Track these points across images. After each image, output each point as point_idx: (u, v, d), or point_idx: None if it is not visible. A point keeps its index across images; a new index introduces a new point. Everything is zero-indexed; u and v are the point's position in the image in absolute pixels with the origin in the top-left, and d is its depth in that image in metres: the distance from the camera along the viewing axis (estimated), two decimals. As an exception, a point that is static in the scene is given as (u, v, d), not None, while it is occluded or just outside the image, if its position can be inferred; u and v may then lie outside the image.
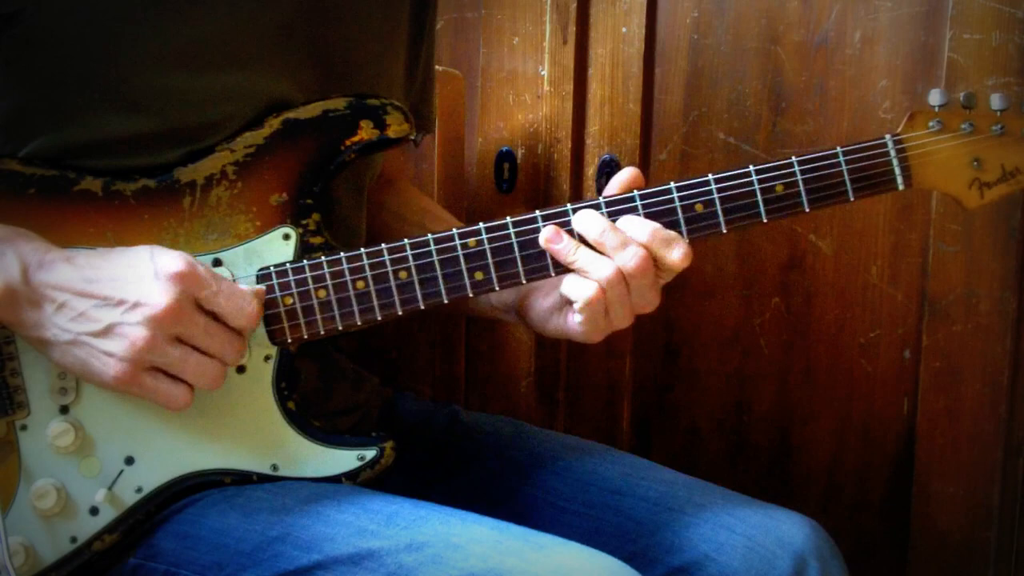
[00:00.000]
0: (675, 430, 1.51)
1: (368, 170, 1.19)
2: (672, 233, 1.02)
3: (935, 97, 1.04)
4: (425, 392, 1.54)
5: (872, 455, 1.44)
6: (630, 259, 1.00)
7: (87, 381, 0.98)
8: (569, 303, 1.03)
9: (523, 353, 1.51)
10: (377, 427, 1.23)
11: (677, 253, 1.02)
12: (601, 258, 1.01)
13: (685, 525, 1.07)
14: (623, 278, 1.00)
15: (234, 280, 1.02)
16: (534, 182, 1.49)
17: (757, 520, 1.07)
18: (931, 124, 1.04)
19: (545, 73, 1.47)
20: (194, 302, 0.95)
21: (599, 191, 1.51)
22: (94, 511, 1.01)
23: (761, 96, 1.42)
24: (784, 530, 1.06)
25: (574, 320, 1.04)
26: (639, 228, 1.02)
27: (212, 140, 1.04)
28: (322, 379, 1.15)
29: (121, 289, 0.94)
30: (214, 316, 0.97)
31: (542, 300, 1.09)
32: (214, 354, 0.96)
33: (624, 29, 1.45)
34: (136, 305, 0.94)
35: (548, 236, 1.02)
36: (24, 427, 1.00)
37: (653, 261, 1.02)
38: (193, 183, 1.03)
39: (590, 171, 1.50)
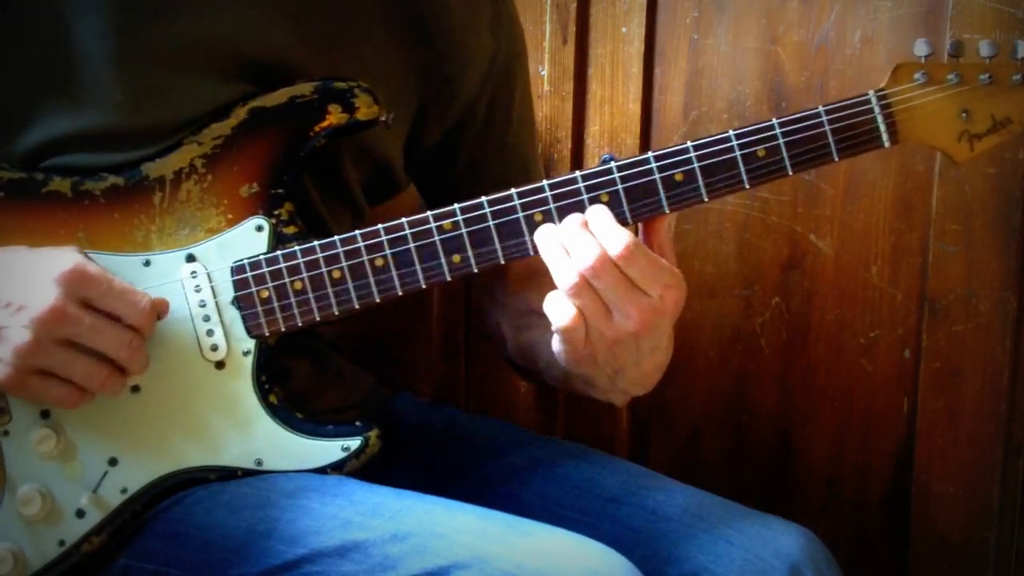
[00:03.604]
0: (675, 430, 1.51)
1: (350, 166, 1.17)
2: (614, 224, 0.97)
3: (920, 48, 1.01)
4: (425, 392, 1.54)
5: (872, 455, 1.44)
6: (586, 256, 0.96)
7: None
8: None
9: (523, 353, 1.51)
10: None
11: (618, 242, 0.96)
12: (563, 259, 0.97)
13: (683, 536, 1.07)
14: (587, 281, 0.96)
15: (208, 275, 1.01)
16: (534, 182, 1.49)
17: (754, 531, 1.06)
18: (916, 76, 1.00)
19: (545, 73, 1.47)
20: (82, 303, 0.94)
21: (599, 191, 1.51)
22: (80, 514, 1.00)
23: (761, 96, 1.42)
24: (781, 541, 1.06)
25: (556, 345, 1.01)
26: (593, 216, 0.98)
27: (182, 135, 1.03)
28: (315, 378, 1.15)
29: (9, 291, 0.93)
30: (108, 316, 0.95)
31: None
32: (104, 352, 0.95)
33: (624, 29, 1.45)
34: (21, 308, 0.93)
35: (543, 227, 0.99)
36: (6, 433, 1.00)
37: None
38: (162, 178, 1.02)
39: (590, 171, 1.50)
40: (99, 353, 0.96)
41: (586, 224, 0.98)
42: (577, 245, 0.97)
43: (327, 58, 1.09)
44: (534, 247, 1.00)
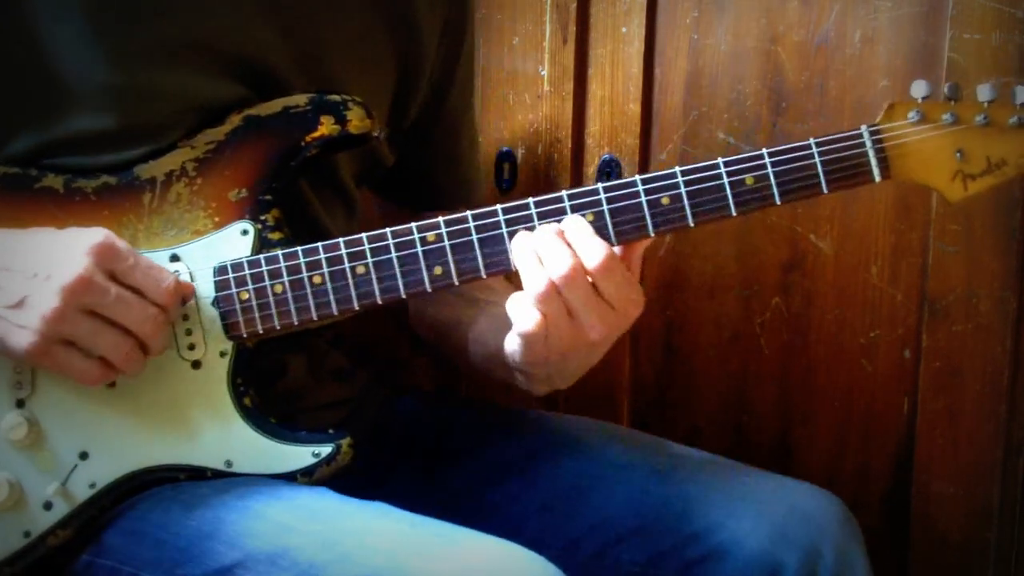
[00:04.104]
0: (675, 430, 1.51)
1: (349, 170, 1.18)
2: (593, 236, 0.99)
3: (917, 89, 1.01)
4: (425, 384, 1.54)
5: (872, 455, 1.44)
6: (559, 265, 0.97)
7: (6, 356, 0.98)
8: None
9: (523, 353, 1.51)
10: (371, 426, 1.22)
11: (595, 255, 0.98)
12: (536, 267, 0.99)
13: (698, 497, 1.10)
14: (557, 289, 0.97)
15: (191, 274, 1.02)
16: (534, 182, 1.49)
17: (770, 489, 1.11)
18: (910, 115, 1.01)
19: (545, 73, 1.48)
20: (109, 274, 0.95)
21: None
22: (48, 506, 1.01)
23: (761, 96, 1.42)
24: (797, 499, 1.10)
25: (511, 344, 1.02)
26: (571, 227, 0.99)
27: (174, 136, 1.04)
28: (310, 373, 1.15)
29: (36, 262, 0.95)
30: (134, 291, 0.96)
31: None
32: (128, 326, 0.96)
33: (624, 29, 1.45)
34: (49, 277, 0.94)
35: (520, 234, 1.00)
36: None
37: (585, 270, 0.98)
38: (153, 179, 1.03)
39: (590, 171, 1.50)
40: (123, 328, 0.97)
41: (562, 234, 0.99)
42: (551, 253, 0.98)
43: (310, 47, 1.10)
44: (514, 263, 1.01)
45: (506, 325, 1.02)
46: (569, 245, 0.98)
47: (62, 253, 0.95)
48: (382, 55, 1.18)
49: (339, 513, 0.97)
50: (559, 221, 1.01)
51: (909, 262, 1.39)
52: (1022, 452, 1.39)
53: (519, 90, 1.49)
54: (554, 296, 0.97)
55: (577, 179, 1.51)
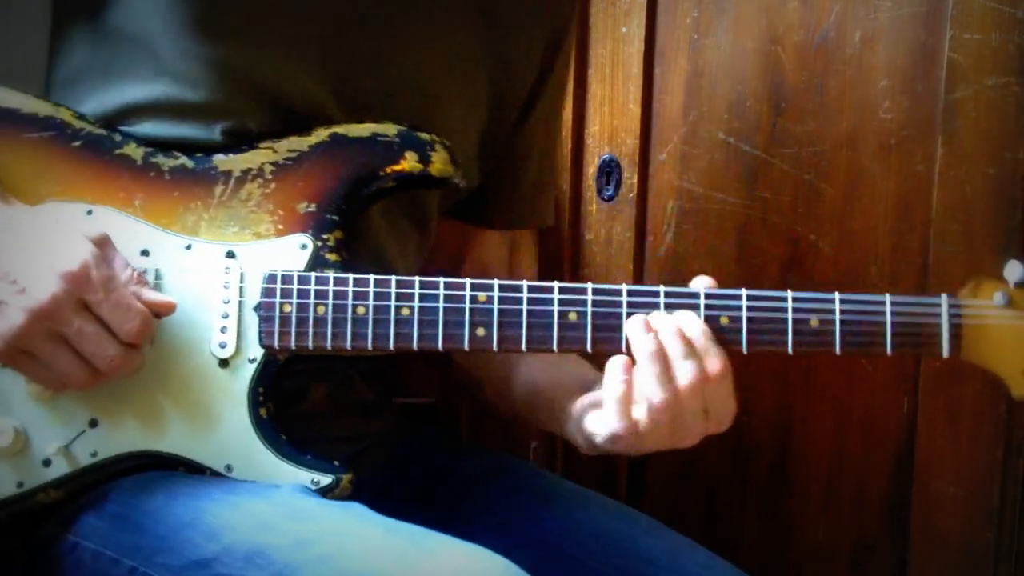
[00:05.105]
0: (675, 430, 1.51)
1: (425, 212, 1.17)
2: (715, 344, 0.97)
3: (1012, 271, 0.97)
4: (429, 394, 1.54)
5: (872, 455, 1.44)
6: (687, 374, 0.95)
7: None
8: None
9: (523, 353, 1.51)
10: (383, 464, 1.22)
11: (714, 364, 0.97)
12: (660, 368, 0.96)
13: None
14: (678, 398, 0.96)
15: (241, 274, 1.02)
16: (534, 182, 1.49)
17: None
18: (996, 296, 0.97)
19: (545, 73, 1.47)
20: (79, 303, 0.95)
21: (599, 191, 1.51)
22: (47, 463, 1.02)
23: (761, 96, 1.42)
24: None
25: (595, 425, 1.01)
26: (690, 326, 0.97)
27: (251, 123, 1.05)
28: (331, 403, 1.15)
29: (19, 268, 0.95)
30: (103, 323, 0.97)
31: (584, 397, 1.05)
32: (87, 358, 0.96)
33: (624, 29, 1.45)
34: (23, 291, 0.94)
35: (639, 325, 0.98)
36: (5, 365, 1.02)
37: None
38: (229, 173, 1.05)
39: (590, 171, 1.50)
40: (82, 356, 0.97)
41: (681, 333, 0.97)
42: (679, 358, 0.96)
43: (406, 72, 1.11)
44: (558, 343, 0.99)
45: (559, 367, 1.02)
46: (694, 350, 0.97)
47: (43, 268, 0.95)
48: (479, 94, 1.18)
49: (318, 514, 0.96)
50: (613, 312, 0.99)
51: (909, 262, 1.39)
52: (1022, 452, 1.39)
53: (519, 90, 1.49)
54: (673, 406, 0.96)
55: (577, 179, 1.51)
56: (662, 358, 0.97)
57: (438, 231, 1.23)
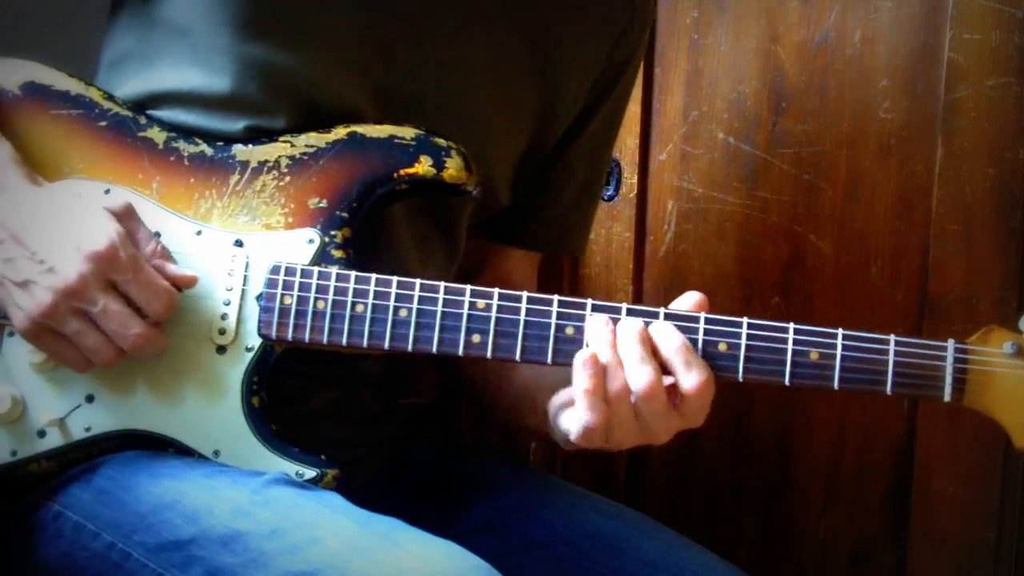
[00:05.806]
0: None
1: (453, 225, 1.17)
2: (696, 357, 0.96)
3: None
4: (429, 394, 1.54)
5: (872, 455, 1.44)
6: (641, 377, 0.95)
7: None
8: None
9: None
10: (379, 473, 1.22)
11: (693, 378, 0.96)
12: (614, 371, 0.96)
13: None
14: (629, 396, 0.96)
15: (247, 264, 1.03)
16: (534, 182, 1.49)
17: None
18: (1006, 345, 0.94)
19: (545, 73, 1.47)
20: (107, 283, 0.97)
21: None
22: (42, 434, 1.03)
23: (761, 96, 1.42)
24: None
25: (568, 422, 1.00)
26: (666, 338, 0.96)
27: (279, 122, 1.06)
28: (333, 408, 1.15)
29: (46, 248, 0.96)
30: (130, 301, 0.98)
31: (556, 395, 1.05)
32: (111, 337, 0.98)
33: (624, 29, 1.45)
34: (50, 270, 0.96)
35: (596, 323, 0.97)
36: (12, 334, 1.04)
37: (667, 384, 0.96)
38: (246, 163, 1.06)
39: (590, 171, 1.50)
40: (106, 335, 0.98)
41: (648, 340, 0.97)
42: (633, 362, 0.96)
43: (451, 85, 1.11)
44: (553, 356, 0.99)
45: (546, 375, 1.02)
46: (656, 354, 0.96)
47: (68, 246, 0.96)
48: (522, 121, 1.17)
49: (295, 504, 0.96)
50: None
51: (909, 262, 1.39)
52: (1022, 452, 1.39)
53: (519, 90, 1.49)
54: (626, 402, 0.96)
55: (577, 179, 1.51)
56: (610, 351, 0.97)
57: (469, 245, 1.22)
